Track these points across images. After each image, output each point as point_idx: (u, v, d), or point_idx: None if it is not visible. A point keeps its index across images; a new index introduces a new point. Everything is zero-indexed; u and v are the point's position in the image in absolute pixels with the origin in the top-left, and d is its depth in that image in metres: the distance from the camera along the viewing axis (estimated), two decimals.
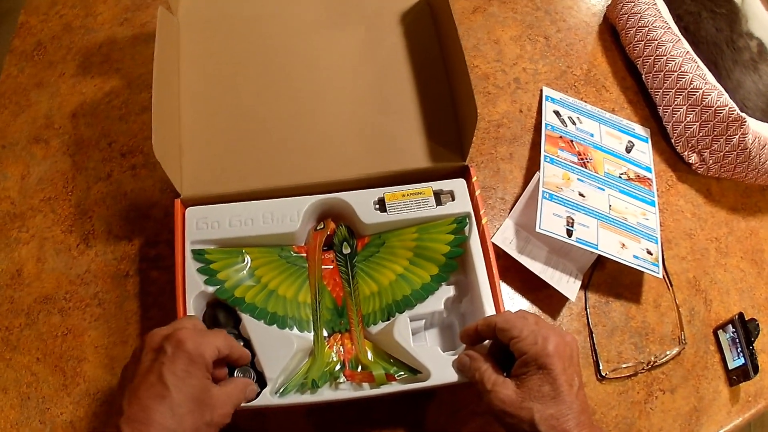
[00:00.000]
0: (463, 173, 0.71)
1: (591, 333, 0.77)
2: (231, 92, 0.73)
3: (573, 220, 0.74)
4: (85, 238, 0.73)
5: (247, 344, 0.63)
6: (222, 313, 0.65)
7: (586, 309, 0.78)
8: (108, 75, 0.80)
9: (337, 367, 0.64)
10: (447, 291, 0.68)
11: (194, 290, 0.64)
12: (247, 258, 0.66)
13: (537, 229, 0.72)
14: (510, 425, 0.55)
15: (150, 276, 0.71)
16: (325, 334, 0.66)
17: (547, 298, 0.77)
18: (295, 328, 0.65)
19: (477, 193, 0.69)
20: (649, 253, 0.77)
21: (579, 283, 0.77)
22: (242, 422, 0.66)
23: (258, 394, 0.60)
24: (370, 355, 0.65)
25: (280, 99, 0.73)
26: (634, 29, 0.89)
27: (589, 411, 0.56)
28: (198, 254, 0.65)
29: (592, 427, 0.55)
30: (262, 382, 0.61)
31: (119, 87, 0.80)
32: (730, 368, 0.80)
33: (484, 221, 0.68)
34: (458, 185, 0.70)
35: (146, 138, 0.76)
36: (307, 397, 0.61)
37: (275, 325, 0.64)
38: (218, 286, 0.64)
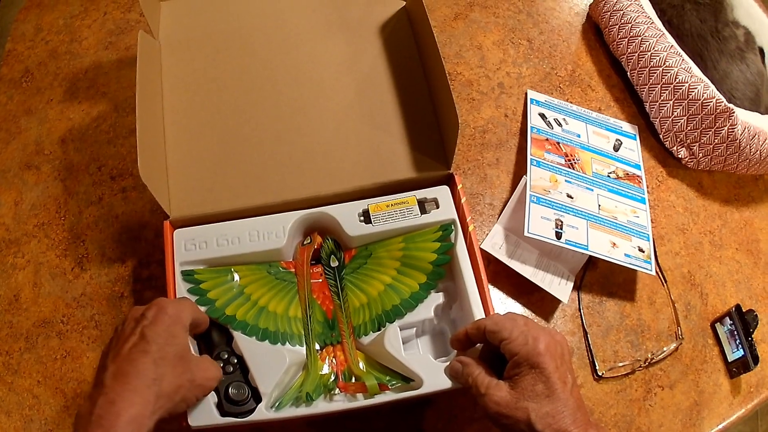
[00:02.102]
0: (449, 181, 0.72)
1: (586, 333, 0.77)
2: (214, 111, 0.74)
3: (562, 222, 0.75)
4: (79, 261, 0.75)
5: (241, 361, 0.64)
6: (214, 331, 0.66)
7: (579, 310, 0.78)
8: (95, 99, 0.82)
9: (331, 379, 0.65)
10: (436, 298, 0.69)
11: None
12: (236, 276, 0.67)
13: (525, 233, 0.72)
14: (506, 427, 0.56)
15: (144, 296, 0.73)
16: (317, 347, 0.67)
17: (540, 301, 0.77)
18: (287, 343, 0.66)
19: (462, 200, 0.70)
20: (641, 250, 0.78)
21: (571, 284, 0.77)
22: None
23: (253, 410, 0.61)
24: (362, 366, 0.66)
25: (264, 116, 0.74)
26: (617, 26, 0.89)
27: (585, 408, 0.57)
28: (188, 275, 0.66)
29: (588, 424, 0.56)
30: (256, 397, 0.62)
31: (106, 111, 0.81)
32: (729, 360, 0.81)
33: (471, 228, 0.69)
34: (442, 193, 0.71)
35: (135, 161, 0.76)
36: (303, 410, 0.62)
37: (267, 341, 0.65)
38: (209, 306, 0.65)
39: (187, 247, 0.67)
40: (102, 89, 0.82)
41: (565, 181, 0.79)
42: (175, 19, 0.78)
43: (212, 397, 0.61)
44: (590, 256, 0.78)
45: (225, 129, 0.73)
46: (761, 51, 0.98)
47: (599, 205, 0.79)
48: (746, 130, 0.83)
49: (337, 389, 0.64)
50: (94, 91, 0.82)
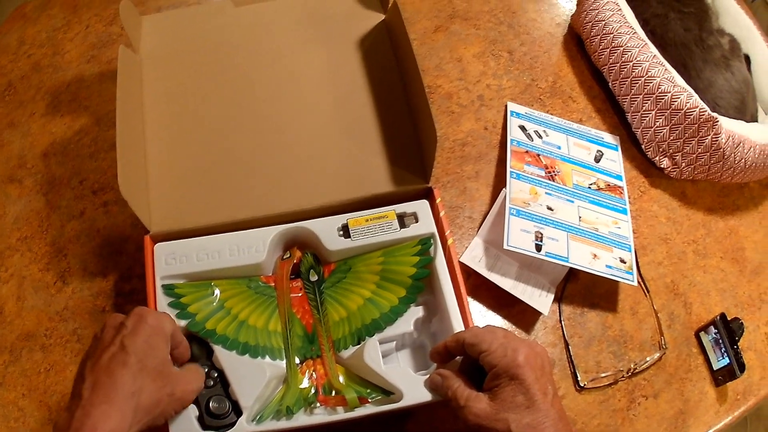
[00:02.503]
0: (428, 195, 0.73)
1: (567, 345, 0.78)
2: (195, 126, 0.75)
3: (542, 234, 0.75)
4: (61, 275, 0.75)
5: (221, 375, 0.64)
6: (195, 345, 0.66)
7: (560, 321, 0.79)
8: (77, 113, 0.82)
9: (311, 392, 0.65)
10: (416, 312, 0.69)
11: None
12: (217, 290, 0.68)
13: (505, 246, 0.73)
14: None
15: (126, 311, 0.72)
16: (297, 361, 0.67)
17: (520, 314, 0.78)
18: (267, 357, 0.66)
19: (441, 213, 0.70)
20: (623, 261, 0.78)
21: (552, 296, 0.78)
22: None
23: (234, 423, 0.61)
24: (342, 380, 0.67)
25: (244, 130, 0.75)
26: (599, 37, 0.89)
27: (567, 419, 0.57)
28: (168, 289, 0.67)
29: None
30: (237, 411, 0.62)
31: (88, 125, 0.82)
32: (714, 369, 0.81)
33: (450, 241, 0.69)
34: (421, 207, 0.71)
35: (116, 175, 0.78)
36: (283, 424, 0.63)
37: (247, 355, 0.65)
38: (189, 320, 0.66)
39: (168, 262, 0.68)
40: (84, 103, 0.83)
41: (546, 193, 0.79)
42: (156, 33, 0.79)
43: (193, 411, 0.61)
44: (571, 268, 0.78)
45: (205, 143, 0.74)
46: (747, 58, 0.98)
47: (580, 217, 0.79)
48: (730, 138, 0.83)
49: (318, 403, 0.64)
50: (76, 105, 0.83)
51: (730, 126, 0.85)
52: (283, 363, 0.67)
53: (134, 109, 0.73)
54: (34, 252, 0.77)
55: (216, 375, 0.64)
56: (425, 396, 0.63)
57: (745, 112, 0.92)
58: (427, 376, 0.64)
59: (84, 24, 0.89)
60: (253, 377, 0.63)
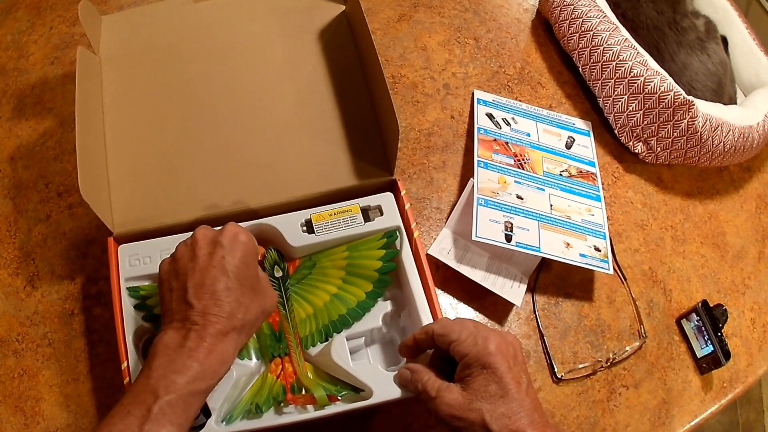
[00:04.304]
0: (392, 187, 0.73)
1: (542, 335, 0.78)
2: (155, 125, 0.75)
3: (512, 224, 0.76)
4: (30, 280, 0.76)
5: None
6: None
7: (534, 312, 0.79)
8: (41, 116, 0.83)
9: (280, 391, 0.66)
10: (384, 307, 0.70)
11: (133, 326, 0.66)
12: None
13: (473, 237, 0.73)
14: (460, 430, 0.56)
15: (93, 313, 0.74)
16: (266, 359, 0.68)
17: (492, 306, 0.78)
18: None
19: (407, 206, 0.71)
20: (597, 249, 0.78)
21: (524, 287, 0.78)
22: None
23: (203, 425, 0.61)
24: (311, 377, 0.67)
25: (205, 128, 0.76)
26: (568, 21, 0.89)
27: (542, 410, 0.57)
28: (133, 291, 0.67)
29: (547, 425, 0.56)
30: (206, 412, 0.63)
31: (52, 127, 0.82)
32: (698, 357, 0.81)
33: (416, 234, 0.70)
34: (386, 199, 0.72)
35: None
36: (253, 424, 0.63)
37: None
38: (156, 322, 0.66)
39: (132, 263, 0.68)
40: (48, 105, 0.84)
41: (515, 182, 0.80)
42: (116, 32, 0.80)
43: None
44: (544, 258, 0.78)
45: (166, 143, 0.75)
46: (724, 40, 0.98)
47: (551, 205, 0.79)
48: (708, 122, 0.84)
49: (287, 402, 0.65)
50: (40, 108, 0.84)
51: (707, 109, 0.85)
52: (251, 362, 0.67)
53: (94, 109, 0.73)
54: (3, 257, 0.78)
55: None
56: (395, 393, 0.63)
57: (723, 95, 0.92)
58: (395, 368, 0.64)
59: (48, 26, 0.89)
60: None
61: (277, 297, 0.64)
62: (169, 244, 0.69)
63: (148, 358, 0.55)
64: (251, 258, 0.59)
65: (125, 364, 0.64)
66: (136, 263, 0.68)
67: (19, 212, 0.79)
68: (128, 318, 0.66)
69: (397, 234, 0.71)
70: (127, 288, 0.67)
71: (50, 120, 0.83)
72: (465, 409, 0.55)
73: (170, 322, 0.56)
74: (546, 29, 0.98)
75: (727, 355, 0.78)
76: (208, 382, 0.54)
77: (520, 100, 0.90)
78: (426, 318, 0.67)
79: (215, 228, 0.60)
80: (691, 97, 0.82)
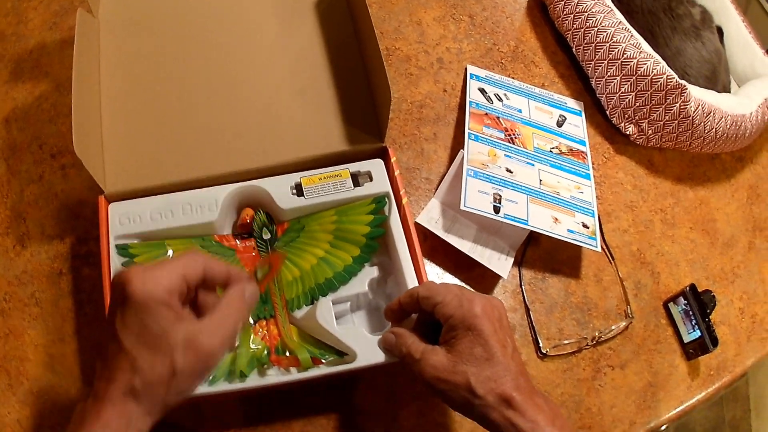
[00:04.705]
0: (382, 155, 0.75)
1: (528, 310, 0.80)
2: (150, 88, 0.78)
3: (500, 196, 0.78)
4: (20, 239, 0.78)
5: None
6: None
7: (521, 286, 0.81)
8: (38, 79, 0.85)
9: (264, 353, 0.67)
10: (370, 272, 0.72)
11: None
12: (170, 250, 0.70)
13: (462, 207, 0.75)
14: (446, 393, 0.56)
15: (82, 273, 0.76)
16: (251, 321, 0.69)
17: (479, 277, 0.80)
18: None
19: (396, 173, 0.73)
20: (585, 226, 0.80)
21: (511, 260, 0.80)
22: (177, 415, 0.70)
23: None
24: (296, 340, 0.69)
25: (198, 92, 0.78)
26: (563, 2, 0.92)
27: (528, 375, 0.58)
28: (122, 249, 0.69)
29: (533, 391, 0.56)
30: None
31: (48, 90, 0.85)
32: (685, 341, 0.83)
33: (404, 201, 0.72)
34: (376, 165, 0.74)
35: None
36: (236, 385, 0.64)
37: None
38: None
39: (122, 221, 0.70)
40: (45, 69, 0.86)
41: (505, 155, 0.82)
42: None
43: None
44: (532, 233, 0.80)
45: (160, 105, 0.77)
46: (719, 30, 1.00)
47: (540, 180, 0.81)
48: (700, 107, 0.86)
49: (271, 363, 0.66)
50: (37, 71, 0.86)
51: (699, 95, 0.87)
52: None
53: (91, 71, 0.76)
54: None
55: None
56: (379, 357, 0.64)
57: (717, 83, 0.94)
58: (380, 333, 0.66)
59: None
60: None
61: (213, 355, 0.50)
62: (159, 204, 0.71)
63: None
64: (146, 314, 0.48)
65: None
66: (126, 222, 0.70)
67: (12, 173, 0.81)
68: None
69: (386, 200, 0.72)
70: (116, 246, 0.69)
71: (47, 84, 0.85)
72: (450, 371, 0.56)
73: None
74: (541, 10, 1.01)
75: (715, 342, 0.79)
76: None
77: (513, 78, 0.93)
78: (412, 284, 0.69)
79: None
80: (683, 82, 0.84)
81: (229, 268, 0.54)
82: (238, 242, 0.73)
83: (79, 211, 0.79)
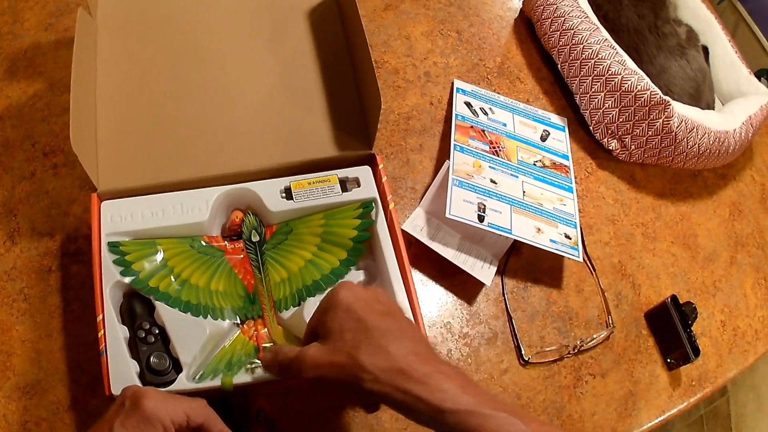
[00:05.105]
0: (370, 161, 0.79)
1: (510, 318, 0.83)
2: (145, 90, 0.81)
3: (485, 205, 0.81)
4: (11, 235, 0.80)
5: (162, 332, 0.69)
6: (138, 303, 0.71)
7: (503, 294, 0.84)
8: (32, 78, 0.88)
9: (252, 352, 0.70)
10: (357, 276, 0.75)
11: (110, 281, 0.69)
12: (160, 249, 0.73)
13: (447, 215, 0.78)
14: (336, 381, 0.53)
15: (71, 271, 0.78)
16: (239, 320, 0.72)
17: (462, 284, 0.83)
18: (209, 316, 0.71)
19: (384, 179, 0.76)
20: (568, 237, 0.84)
21: (494, 268, 0.83)
22: None
23: (174, 380, 0.65)
24: (283, 340, 0.72)
25: (192, 94, 0.81)
26: (550, 20, 0.96)
27: (429, 344, 0.54)
28: (113, 246, 0.72)
29: (437, 359, 0.52)
30: (177, 368, 0.67)
31: (42, 90, 0.87)
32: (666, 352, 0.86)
33: (391, 206, 0.75)
34: (364, 172, 0.77)
35: (66, 138, 0.82)
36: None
37: (189, 313, 0.70)
38: (133, 277, 0.70)
39: (114, 219, 0.72)
40: (39, 68, 0.89)
41: (489, 167, 0.85)
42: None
43: (134, 367, 0.65)
44: (514, 243, 0.84)
45: (154, 106, 0.80)
46: (705, 49, 1.05)
47: (524, 192, 0.85)
48: (683, 123, 0.89)
49: (258, 361, 0.69)
50: (32, 71, 0.89)
51: (683, 111, 0.90)
52: (224, 322, 0.71)
53: (88, 70, 0.79)
54: None
55: (157, 332, 0.69)
56: None
57: (701, 100, 0.98)
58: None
59: None
60: (193, 335, 0.68)
61: None
62: (151, 203, 0.73)
63: None
64: (149, 426, 0.53)
65: (101, 316, 0.67)
66: (118, 220, 0.72)
67: (3, 169, 0.83)
68: (106, 273, 0.70)
69: (373, 205, 0.75)
70: (108, 243, 0.72)
71: (41, 83, 0.88)
72: (329, 353, 0.53)
73: None
74: (528, 28, 1.05)
75: (697, 352, 0.82)
76: None
77: (499, 93, 0.96)
78: (399, 288, 0.71)
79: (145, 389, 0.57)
80: (667, 97, 0.88)
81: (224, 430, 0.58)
82: (227, 243, 0.76)
83: (69, 209, 0.81)
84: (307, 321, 0.68)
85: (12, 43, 0.91)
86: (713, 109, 1.02)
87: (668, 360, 0.86)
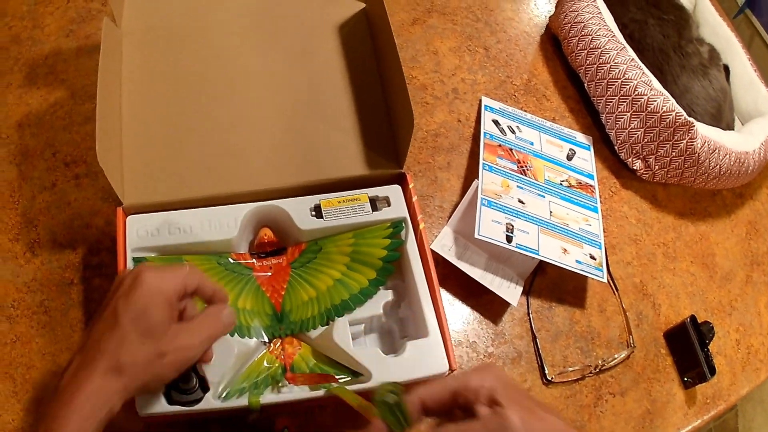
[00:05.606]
0: (400, 180, 0.78)
1: (534, 338, 0.83)
2: (171, 102, 0.79)
3: (513, 226, 0.80)
4: (31, 246, 0.79)
5: None
6: None
7: (528, 314, 0.84)
8: (53, 86, 0.86)
9: (279, 371, 0.69)
10: (385, 295, 0.74)
11: None
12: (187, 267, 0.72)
13: (476, 236, 0.78)
14: None
15: (93, 284, 0.77)
16: (266, 339, 0.71)
17: (489, 304, 0.83)
18: (236, 334, 0.70)
19: (414, 199, 0.75)
20: (593, 258, 0.83)
21: (520, 288, 0.83)
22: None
23: (201, 399, 0.64)
24: (311, 360, 0.71)
25: (219, 108, 0.79)
26: (577, 38, 0.95)
27: None
28: (139, 262, 0.70)
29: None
30: (204, 387, 0.65)
31: (63, 98, 0.86)
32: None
33: (421, 226, 0.74)
34: (394, 191, 0.76)
35: (89, 148, 0.82)
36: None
37: None
38: None
39: (140, 234, 0.71)
40: (61, 76, 0.87)
41: (517, 186, 0.84)
42: (139, 9, 0.83)
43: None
44: (540, 263, 0.83)
45: (180, 120, 0.78)
46: (726, 68, 1.05)
47: (551, 212, 0.84)
48: (706, 144, 0.89)
49: (285, 381, 0.68)
50: (53, 78, 0.87)
51: (705, 132, 0.90)
52: (252, 341, 0.70)
53: (113, 82, 0.77)
54: (5, 222, 0.80)
55: None
56: (394, 378, 0.66)
57: (721, 120, 0.98)
58: (396, 358, 0.68)
59: None
60: (220, 354, 0.66)
61: (189, 348, 0.58)
62: (178, 219, 0.72)
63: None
64: (152, 302, 0.56)
65: None
66: (144, 234, 0.71)
67: (23, 179, 0.82)
68: None
69: (403, 225, 0.75)
70: (133, 258, 0.70)
71: (62, 91, 0.86)
72: (542, 418, 0.50)
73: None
74: (554, 44, 1.04)
75: (713, 371, 0.83)
76: (82, 424, 0.52)
77: (525, 111, 0.96)
78: (428, 309, 0.71)
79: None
80: (691, 119, 0.87)
81: (216, 289, 0.62)
82: (255, 261, 0.74)
83: (91, 221, 0.80)
84: (336, 339, 0.68)
85: (32, 49, 0.88)
86: (733, 128, 1.02)
87: (685, 379, 0.86)
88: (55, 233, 0.79)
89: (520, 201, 0.83)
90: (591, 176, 0.91)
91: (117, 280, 0.58)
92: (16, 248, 0.79)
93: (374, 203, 0.75)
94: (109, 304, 0.56)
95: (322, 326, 0.71)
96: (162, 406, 0.63)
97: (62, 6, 0.92)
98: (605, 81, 0.92)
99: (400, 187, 0.77)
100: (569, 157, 0.92)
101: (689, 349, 0.85)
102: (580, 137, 0.95)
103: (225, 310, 0.62)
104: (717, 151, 0.90)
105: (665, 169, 0.92)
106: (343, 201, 0.75)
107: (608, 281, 0.88)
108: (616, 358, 0.84)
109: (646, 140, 0.91)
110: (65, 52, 0.89)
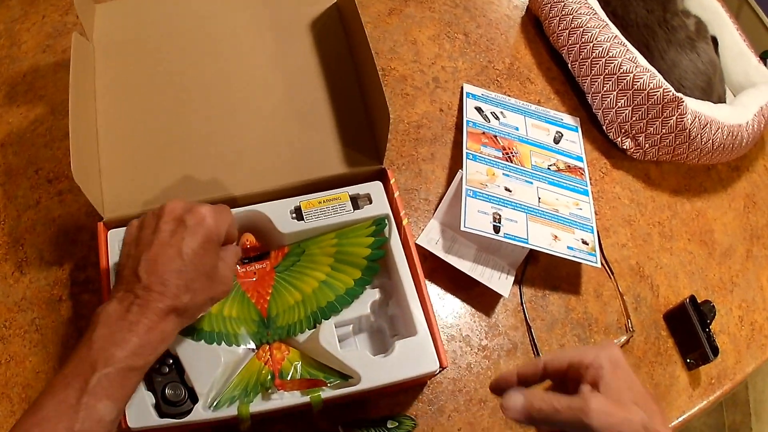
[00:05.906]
0: (381, 176, 0.76)
1: (529, 328, 0.81)
2: (146, 112, 0.78)
3: (500, 215, 0.79)
4: (19, 265, 0.78)
5: (176, 361, 0.67)
6: None
7: (522, 304, 0.82)
8: (32, 103, 0.86)
9: (268, 378, 0.68)
10: (372, 294, 0.73)
11: None
12: None
13: (462, 228, 0.76)
14: None
15: (82, 299, 0.76)
16: (253, 346, 0.70)
17: (480, 296, 0.81)
18: (223, 343, 0.69)
19: (396, 194, 0.74)
20: (585, 242, 0.81)
21: (512, 278, 0.81)
22: None
23: (191, 410, 0.64)
24: (299, 364, 0.70)
25: (195, 116, 0.78)
26: (558, 18, 0.93)
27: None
28: None
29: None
30: (193, 398, 0.65)
31: (43, 114, 0.85)
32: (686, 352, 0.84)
33: (404, 222, 0.73)
34: (375, 188, 0.75)
35: (70, 164, 0.82)
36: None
37: (203, 341, 0.68)
38: None
39: (121, 247, 0.71)
40: (39, 92, 0.86)
41: (503, 174, 0.83)
42: (110, 21, 0.82)
43: (150, 399, 0.64)
44: (531, 251, 0.81)
45: (157, 130, 0.77)
46: (714, 40, 1.02)
47: (539, 198, 0.82)
48: (696, 119, 0.87)
49: (275, 388, 0.67)
50: (32, 95, 0.86)
51: (696, 107, 0.88)
52: (239, 349, 0.69)
53: (87, 96, 0.76)
54: None
55: (171, 362, 0.66)
56: (383, 379, 0.65)
57: (712, 94, 0.96)
58: (385, 358, 0.67)
59: (40, 14, 0.92)
60: (208, 363, 0.66)
61: (230, 287, 0.63)
62: None
63: (89, 326, 0.55)
64: (212, 246, 0.59)
65: None
66: None
67: (8, 198, 0.81)
68: None
69: (386, 222, 0.73)
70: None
71: (41, 107, 0.85)
72: (623, 412, 0.47)
73: (117, 291, 0.57)
74: (535, 26, 1.02)
75: (715, 351, 0.81)
76: (146, 359, 0.55)
77: (509, 95, 0.94)
78: (415, 306, 0.69)
79: (190, 202, 0.61)
80: (680, 95, 0.85)
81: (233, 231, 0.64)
82: (238, 267, 0.73)
83: (77, 236, 0.79)
84: (322, 343, 0.67)
85: (10, 67, 0.88)
86: (724, 101, 1.00)
87: (688, 360, 0.84)
88: (41, 251, 0.79)
89: (507, 189, 0.81)
90: (580, 158, 0.89)
91: (175, 213, 0.59)
92: (5, 268, 0.78)
93: (355, 201, 0.74)
94: (171, 242, 0.57)
95: (309, 330, 0.70)
96: (153, 419, 0.62)
97: (38, 22, 0.91)
98: (589, 60, 0.90)
99: (381, 183, 0.75)
100: (556, 140, 0.90)
101: (690, 330, 0.83)
102: (567, 119, 0.93)
103: (236, 241, 0.66)
104: (708, 125, 0.88)
105: (656, 147, 0.90)
106: (324, 201, 0.73)
107: (603, 265, 0.86)
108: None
109: (634, 119, 0.89)
110: (43, 68, 0.88)
